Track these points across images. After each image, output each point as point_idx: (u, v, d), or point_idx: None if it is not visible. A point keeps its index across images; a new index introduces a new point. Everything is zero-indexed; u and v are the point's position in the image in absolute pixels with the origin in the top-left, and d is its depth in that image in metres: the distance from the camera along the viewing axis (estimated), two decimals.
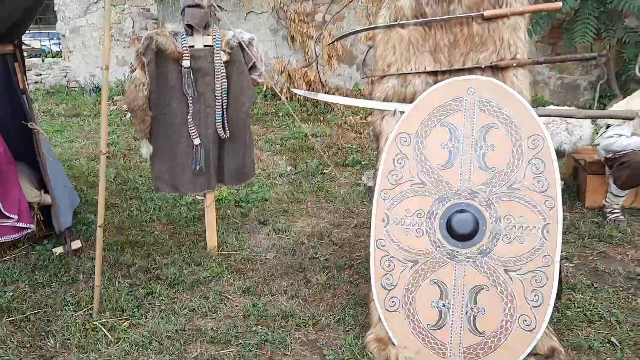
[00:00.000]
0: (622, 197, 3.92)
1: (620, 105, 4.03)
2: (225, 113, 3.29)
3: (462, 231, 2.39)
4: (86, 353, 2.48)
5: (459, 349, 2.31)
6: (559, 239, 2.30)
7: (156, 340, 2.56)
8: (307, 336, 2.63)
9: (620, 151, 3.78)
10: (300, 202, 4.38)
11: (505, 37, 2.52)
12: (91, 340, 2.56)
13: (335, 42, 7.08)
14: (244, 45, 3.26)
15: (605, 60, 6.99)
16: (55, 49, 12.09)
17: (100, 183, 2.68)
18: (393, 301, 2.42)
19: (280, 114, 7.08)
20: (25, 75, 3.34)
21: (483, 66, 2.54)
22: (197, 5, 3.11)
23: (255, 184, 4.65)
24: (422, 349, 2.34)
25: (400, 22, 2.61)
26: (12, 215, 3.21)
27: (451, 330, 2.33)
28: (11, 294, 2.95)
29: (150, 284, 3.07)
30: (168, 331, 2.63)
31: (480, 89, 2.46)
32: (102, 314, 2.77)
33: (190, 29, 3.18)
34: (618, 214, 3.91)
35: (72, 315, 2.77)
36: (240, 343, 2.55)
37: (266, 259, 3.43)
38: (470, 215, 2.39)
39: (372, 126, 2.76)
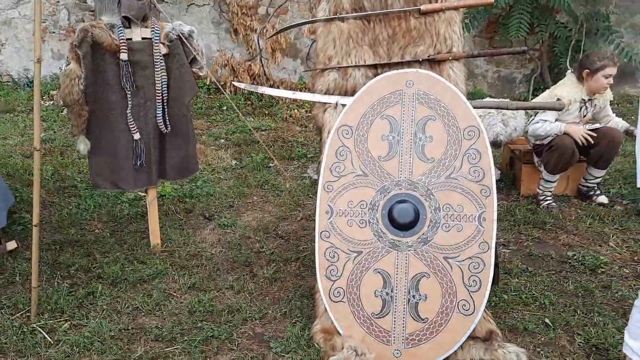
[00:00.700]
0: (553, 182, 4.11)
1: (544, 95, 4.23)
2: (166, 107, 3.24)
3: (403, 221, 2.45)
4: (24, 357, 2.40)
5: (402, 336, 2.37)
6: (494, 226, 2.40)
7: (98, 341, 2.51)
8: (254, 330, 2.64)
9: (544, 136, 3.97)
10: (245, 196, 4.36)
11: (441, 31, 2.60)
12: (29, 344, 2.48)
13: (279, 36, 7.06)
14: (184, 38, 3.21)
15: (538, 54, 7.28)
16: None
17: (35, 180, 2.59)
18: (338, 292, 2.46)
19: (224, 108, 7.00)
20: None
21: (421, 59, 2.61)
22: None
23: (200, 179, 4.59)
24: (367, 337, 2.40)
25: (340, 16, 2.64)
26: None
27: (394, 317, 2.40)
28: None
29: (92, 284, 3.00)
30: (111, 331, 2.58)
31: (419, 82, 2.53)
32: (41, 316, 2.68)
33: (128, 22, 3.10)
34: (550, 201, 4.09)
35: (9, 318, 2.67)
36: (186, 340, 2.53)
37: (212, 254, 3.40)
38: (410, 205, 2.45)
39: (314, 119, 2.78)
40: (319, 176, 2.60)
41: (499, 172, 4.55)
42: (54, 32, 8.36)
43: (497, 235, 2.42)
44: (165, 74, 3.19)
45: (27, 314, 2.70)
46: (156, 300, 2.85)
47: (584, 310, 2.77)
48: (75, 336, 2.53)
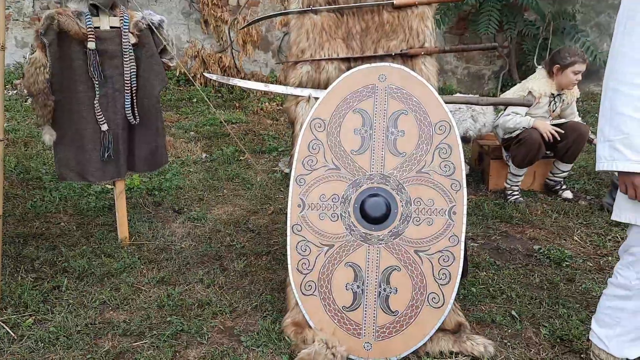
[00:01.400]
0: (520, 176, 4.20)
1: (516, 88, 4.32)
2: (134, 98, 3.17)
3: (374, 214, 2.46)
4: None
5: (373, 328, 2.39)
6: (464, 220, 2.43)
7: (64, 336, 2.45)
8: (224, 324, 2.62)
9: (513, 129, 4.05)
10: (216, 189, 4.32)
11: (414, 25, 2.61)
12: None
13: (250, 28, 7.00)
14: (154, 28, 3.15)
15: (507, 52, 7.40)
16: None
17: None
18: (309, 285, 2.46)
19: (195, 100, 6.91)
20: None
21: (394, 54, 2.62)
22: None
23: (169, 172, 4.52)
24: (338, 330, 2.40)
25: (314, 9, 2.63)
26: None
27: (365, 310, 2.41)
28: None
29: (57, 278, 2.93)
30: (77, 325, 2.52)
31: (391, 76, 2.53)
32: (4, 311, 2.61)
33: (95, 9, 3.03)
34: (517, 196, 4.18)
35: None
36: (155, 334, 2.50)
37: (181, 248, 3.36)
38: (382, 199, 2.46)
39: (286, 112, 2.76)
40: (290, 169, 2.59)
41: (468, 167, 4.62)
42: (18, 20, 8.11)
43: (466, 229, 2.45)
44: (134, 64, 3.12)
45: None
46: (124, 295, 2.80)
47: (549, 302, 2.83)
48: (40, 331, 2.47)
